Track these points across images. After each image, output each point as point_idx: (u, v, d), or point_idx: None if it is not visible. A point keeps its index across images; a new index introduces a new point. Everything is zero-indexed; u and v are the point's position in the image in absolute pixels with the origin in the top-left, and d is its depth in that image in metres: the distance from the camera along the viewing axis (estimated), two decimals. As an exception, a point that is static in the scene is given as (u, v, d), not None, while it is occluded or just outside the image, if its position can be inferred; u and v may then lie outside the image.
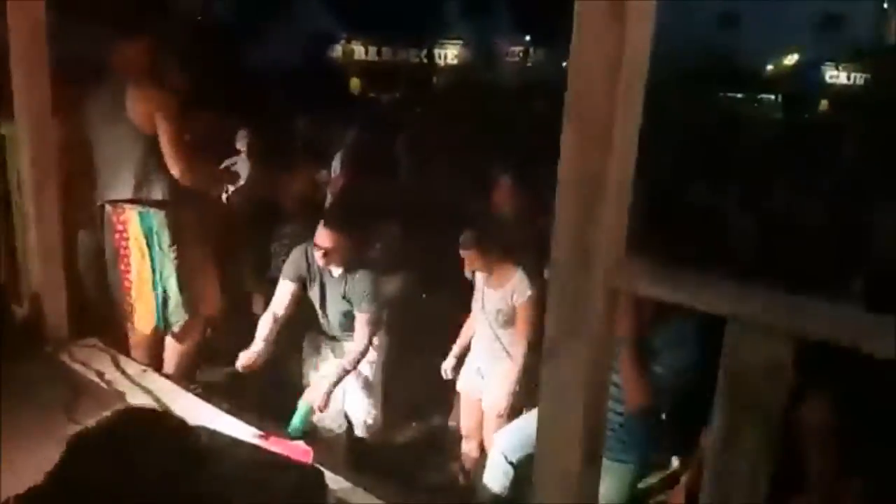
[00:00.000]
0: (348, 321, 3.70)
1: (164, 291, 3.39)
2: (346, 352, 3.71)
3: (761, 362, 1.19)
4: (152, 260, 3.33)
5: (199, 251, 3.49)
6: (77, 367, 3.06)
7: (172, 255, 3.32)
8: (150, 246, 3.32)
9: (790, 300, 1.16)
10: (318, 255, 3.57)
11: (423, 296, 4.81)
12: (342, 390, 3.78)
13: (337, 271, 3.64)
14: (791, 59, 28.11)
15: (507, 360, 3.67)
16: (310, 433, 3.52)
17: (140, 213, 3.28)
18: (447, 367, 3.89)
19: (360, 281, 3.61)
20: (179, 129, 3.22)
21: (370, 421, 3.86)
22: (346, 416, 3.86)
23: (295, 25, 22.75)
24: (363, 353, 3.65)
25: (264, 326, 3.63)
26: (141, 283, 3.37)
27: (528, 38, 28.23)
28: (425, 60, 23.99)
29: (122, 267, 3.40)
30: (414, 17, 25.80)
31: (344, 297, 3.66)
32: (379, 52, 24.36)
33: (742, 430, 1.25)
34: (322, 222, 3.57)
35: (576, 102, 1.27)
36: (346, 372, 3.63)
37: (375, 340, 3.76)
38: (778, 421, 1.24)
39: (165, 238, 3.30)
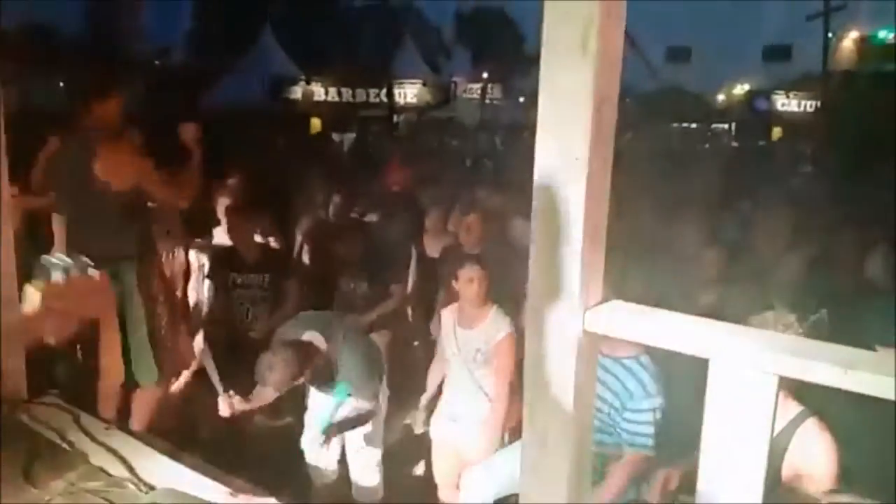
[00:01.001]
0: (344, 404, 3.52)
1: (135, 347, 3.30)
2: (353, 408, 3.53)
3: (747, 399, 1.17)
4: (123, 315, 3.24)
5: (170, 308, 3.40)
6: (37, 427, 2.94)
7: (141, 310, 3.24)
8: (120, 301, 3.24)
9: (770, 338, 1.15)
10: None
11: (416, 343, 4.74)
12: (341, 444, 3.67)
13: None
14: (741, 89, 28.90)
15: (486, 402, 3.59)
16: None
17: (111, 269, 3.20)
18: (419, 420, 3.78)
19: (348, 369, 3.36)
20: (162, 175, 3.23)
21: (370, 484, 3.70)
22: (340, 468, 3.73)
23: (254, 69, 22.75)
24: (366, 420, 3.50)
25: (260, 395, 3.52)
26: (110, 337, 3.27)
27: (485, 75, 28.63)
28: (385, 100, 24.07)
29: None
30: (373, 57, 26.04)
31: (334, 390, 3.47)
32: (339, 93, 24.40)
33: (732, 468, 1.23)
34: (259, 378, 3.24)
35: (547, 140, 1.25)
36: (354, 425, 3.50)
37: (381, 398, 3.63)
38: (765, 457, 1.22)
39: (136, 293, 3.23)
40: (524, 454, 1.37)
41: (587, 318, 1.25)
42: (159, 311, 3.34)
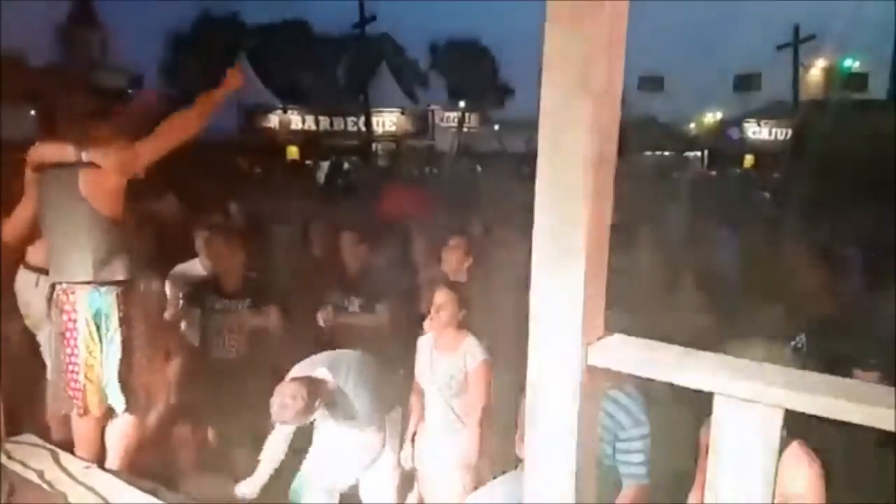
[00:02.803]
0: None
1: (108, 376, 3.22)
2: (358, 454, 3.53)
3: (752, 434, 1.17)
4: (101, 342, 3.17)
5: (147, 336, 3.32)
6: (15, 466, 2.86)
7: (118, 338, 3.17)
8: (98, 327, 3.17)
9: (778, 372, 1.15)
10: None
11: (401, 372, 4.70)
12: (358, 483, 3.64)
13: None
14: (713, 117, 29.41)
15: (463, 431, 3.56)
16: None
17: (90, 293, 3.14)
18: (407, 455, 3.74)
19: (355, 401, 3.40)
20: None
21: None
22: None
23: (229, 97, 22.74)
24: (378, 455, 3.52)
25: (270, 453, 3.49)
26: (90, 366, 3.19)
27: (462, 104, 28.91)
28: (363, 128, 24.17)
29: (69, 350, 3.21)
30: (350, 86, 26.19)
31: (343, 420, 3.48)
32: (316, 121, 24.46)
33: (735, 500, 1.22)
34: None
35: (547, 176, 1.25)
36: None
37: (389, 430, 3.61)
38: (771, 488, 1.22)
39: (114, 320, 3.16)
40: (527, 492, 1.35)
41: (590, 353, 1.25)
42: (135, 340, 3.27)
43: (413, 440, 3.71)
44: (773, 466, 1.20)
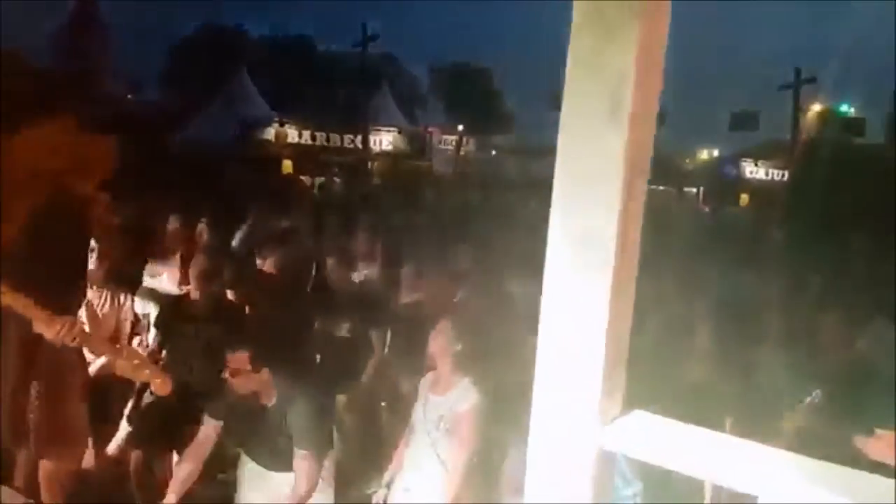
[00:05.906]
0: (284, 457, 3.30)
1: None
2: (285, 493, 3.27)
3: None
4: None
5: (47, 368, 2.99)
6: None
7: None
8: None
9: (841, 475, 0.92)
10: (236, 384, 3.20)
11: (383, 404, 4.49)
12: None
13: (269, 402, 3.30)
14: (710, 155, 29.45)
15: (442, 473, 3.37)
16: None
17: None
18: (381, 498, 3.52)
19: (298, 414, 3.20)
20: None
21: None
22: None
23: (227, 108, 22.57)
24: (308, 495, 3.24)
25: (182, 475, 3.26)
26: None
27: (460, 127, 28.81)
28: (360, 146, 24.00)
29: None
30: (349, 103, 26.09)
31: (280, 433, 3.28)
32: (313, 137, 24.24)
33: None
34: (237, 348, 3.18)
35: (564, 219, 1.03)
36: None
37: (324, 472, 3.37)
38: None
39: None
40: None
41: (607, 436, 1.02)
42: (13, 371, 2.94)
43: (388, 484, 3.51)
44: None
